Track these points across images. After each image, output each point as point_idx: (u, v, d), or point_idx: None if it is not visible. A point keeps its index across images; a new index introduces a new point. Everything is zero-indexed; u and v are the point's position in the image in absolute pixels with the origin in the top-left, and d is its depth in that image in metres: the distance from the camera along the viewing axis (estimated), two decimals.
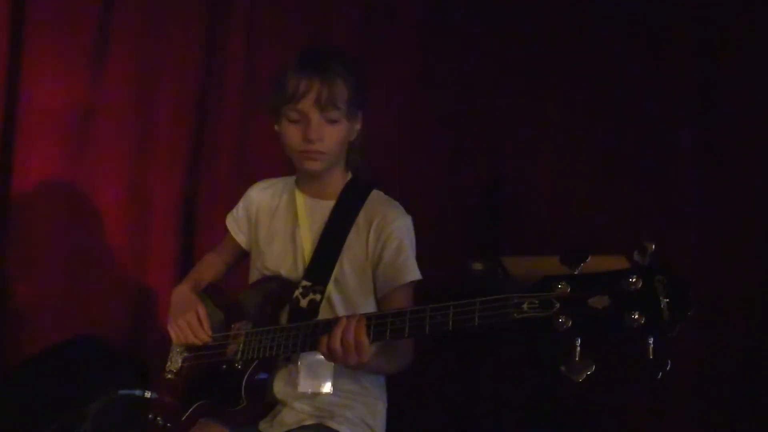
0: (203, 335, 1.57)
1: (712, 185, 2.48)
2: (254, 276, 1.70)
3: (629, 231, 2.43)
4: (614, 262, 1.18)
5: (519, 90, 2.62)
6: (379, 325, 1.30)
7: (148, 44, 2.61)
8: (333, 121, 1.53)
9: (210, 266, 1.81)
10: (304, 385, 1.53)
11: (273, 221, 1.69)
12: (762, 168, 2.45)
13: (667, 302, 1.06)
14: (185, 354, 1.66)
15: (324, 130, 1.52)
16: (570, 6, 2.60)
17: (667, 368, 1.05)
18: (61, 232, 2.59)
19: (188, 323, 1.57)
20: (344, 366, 1.35)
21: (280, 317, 1.58)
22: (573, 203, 2.55)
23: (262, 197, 1.74)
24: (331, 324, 1.39)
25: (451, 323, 1.23)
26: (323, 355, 1.35)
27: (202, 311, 1.58)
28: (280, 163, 1.71)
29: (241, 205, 1.77)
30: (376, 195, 1.64)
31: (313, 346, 1.40)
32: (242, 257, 1.80)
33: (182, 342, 1.60)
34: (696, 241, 2.42)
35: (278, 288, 1.61)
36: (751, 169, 2.47)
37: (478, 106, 2.64)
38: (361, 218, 1.60)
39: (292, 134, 1.53)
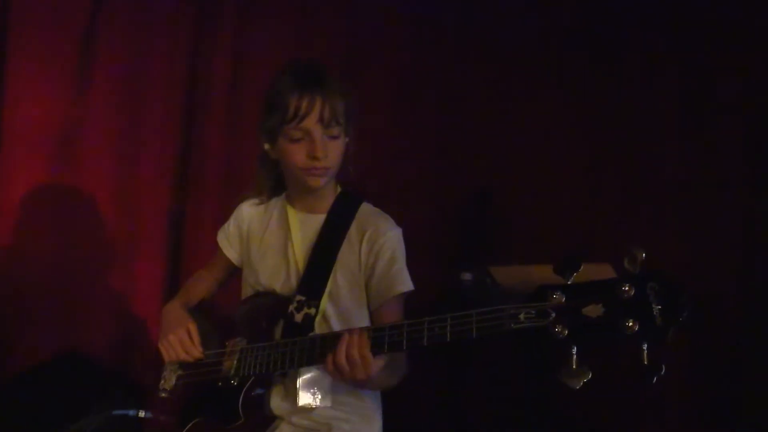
0: (195, 351, 1.56)
1: (696, 191, 2.55)
2: (247, 292, 1.70)
3: (615, 237, 2.49)
4: (600, 270, 1.21)
5: (505, 100, 2.67)
6: (377, 338, 1.31)
7: (134, 58, 2.60)
8: (334, 137, 1.54)
9: (201, 283, 1.81)
10: (303, 400, 1.53)
11: (265, 236, 1.69)
12: (744, 173, 2.53)
13: (659, 309, 1.09)
14: (179, 372, 1.65)
15: (327, 147, 1.53)
16: (556, 16, 2.66)
17: (662, 373, 1.08)
18: (47, 248, 2.56)
19: (179, 339, 1.56)
20: (352, 382, 1.35)
21: (274, 332, 1.58)
22: (559, 212, 2.59)
23: (253, 213, 1.74)
24: (327, 338, 1.40)
25: (449, 335, 1.24)
26: (330, 373, 1.34)
27: (192, 327, 1.58)
28: None
29: (232, 221, 1.77)
30: (366, 207, 1.66)
31: (311, 361, 1.41)
32: (233, 273, 1.80)
33: (173, 359, 1.59)
34: (681, 246, 2.48)
35: (272, 303, 1.61)
36: (734, 173, 2.54)
37: (465, 116, 2.68)
38: (352, 231, 1.61)
39: (294, 153, 1.53)
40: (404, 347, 1.29)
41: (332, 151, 1.54)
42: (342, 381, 1.37)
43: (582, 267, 1.19)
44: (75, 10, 2.56)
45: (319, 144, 1.51)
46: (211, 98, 2.64)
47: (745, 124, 2.55)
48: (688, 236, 2.54)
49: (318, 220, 1.64)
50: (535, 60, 2.68)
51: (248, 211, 1.75)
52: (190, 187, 2.65)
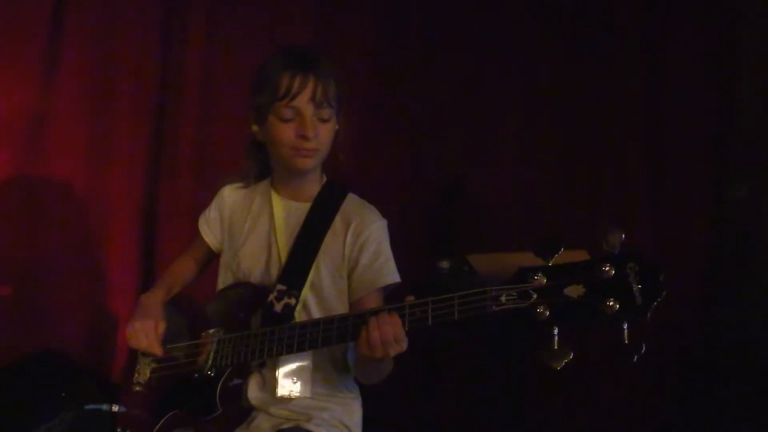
0: (155, 347, 1.52)
1: (663, 179, 2.60)
2: (226, 278, 1.67)
3: (586, 224, 2.52)
4: (575, 256, 1.22)
5: (479, 91, 2.68)
6: (359, 324, 1.30)
7: (103, 48, 2.54)
8: (324, 120, 1.53)
9: (182, 270, 1.77)
10: (283, 389, 1.52)
11: (247, 222, 1.66)
12: (709, 162, 2.59)
13: (639, 288, 1.11)
14: (153, 365, 1.62)
15: (318, 128, 1.51)
16: (531, 10, 2.68)
17: (642, 351, 1.10)
18: (15, 243, 2.49)
19: (144, 329, 1.52)
20: (384, 358, 1.30)
21: (251, 322, 1.55)
22: (531, 200, 2.63)
23: (234, 198, 1.71)
24: (307, 326, 1.39)
25: (430, 318, 1.24)
26: (363, 351, 1.30)
27: (161, 325, 1.54)
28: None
29: (213, 205, 1.74)
30: (351, 198, 1.64)
31: (290, 350, 1.40)
32: (213, 258, 1.77)
33: (136, 347, 1.56)
34: (649, 233, 2.53)
35: (249, 293, 1.59)
36: (696, 165, 2.60)
37: (438, 107, 2.69)
38: (337, 221, 1.59)
39: (284, 132, 1.51)
40: None
41: (322, 133, 1.53)
42: (371, 363, 1.34)
43: (562, 249, 1.19)
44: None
45: (309, 123, 1.49)
46: (182, 87, 2.59)
47: (707, 117, 2.61)
48: (656, 223, 2.59)
49: (303, 208, 1.61)
50: (508, 53, 2.70)
51: (230, 196, 1.72)
52: (163, 178, 2.60)
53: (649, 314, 1.10)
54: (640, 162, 2.66)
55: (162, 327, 1.54)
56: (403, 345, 1.28)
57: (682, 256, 2.53)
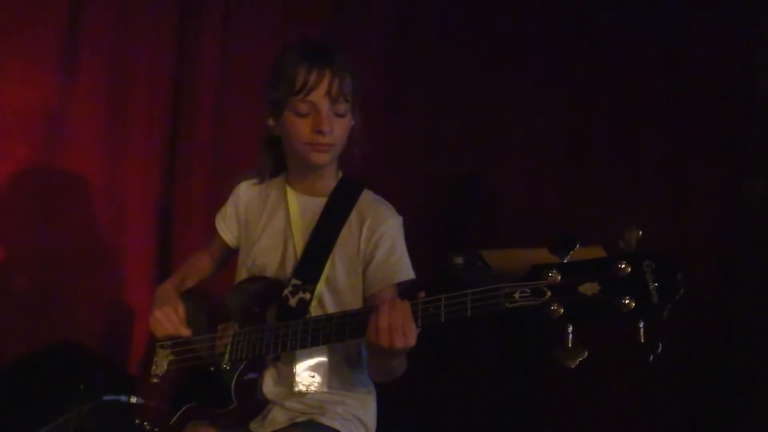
0: (181, 328, 1.55)
1: (677, 178, 2.57)
2: (242, 274, 1.68)
3: (600, 220, 2.51)
4: (591, 252, 1.21)
5: (492, 85, 2.67)
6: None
7: (120, 45, 2.56)
8: (340, 115, 1.52)
9: (197, 264, 1.79)
10: (300, 384, 1.53)
11: (263, 218, 1.67)
12: (721, 159, 2.56)
13: (656, 286, 1.09)
14: (171, 357, 1.64)
15: (333, 123, 1.51)
16: (542, 6, 2.66)
17: (659, 351, 1.09)
18: (33, 236, 2.52)
19: (165, 316, 1.55)
20: (391, 352, 1.28)
21: (267, 317, 1.56)
22: (545, 195, 2.61)
23: (250, 194, 1.72)
24: (321, 321, 1.40)
25: (443, 315, 1.24)
26: (369, 339, 1.29)
27: (179, 307, 1.57)
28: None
29: (229, 202, 1.75)
30: (367, 194, 1.63)
31: (304, 344, 1.40)
32: (231, 255, 1.78)
33: (162, 334, 1.58)
34: (664, 230, 2.50)
35: (265, 287, 1.60)
36: (713, 160, 2.58)
37: (452, 102, 2.68)
38: (353, 217, 1.58)
39: (299, 127, 1.51)
40: None
41: (338, 128, 1.52)
42: (379, 356, 1.33)
43: (577, 246, 1.18)
44: None
45: (325, 118, 1.49)
46: (198, 84, 2.61)
47: (725, 111, 2.58)
48: (673, 219, 2.57)
49: (318, 203, 1.61)
50: (522, 49, 2.68)
51: (246, 192, 1.72)
52: (178, 174, 2.62)
53: (665, 313, 1.09)
54: (656, 157, 2.64)
55: (181, 309, 1.57)
56: (411, 339, 1.26)
57: (699, 252, 2.50)
